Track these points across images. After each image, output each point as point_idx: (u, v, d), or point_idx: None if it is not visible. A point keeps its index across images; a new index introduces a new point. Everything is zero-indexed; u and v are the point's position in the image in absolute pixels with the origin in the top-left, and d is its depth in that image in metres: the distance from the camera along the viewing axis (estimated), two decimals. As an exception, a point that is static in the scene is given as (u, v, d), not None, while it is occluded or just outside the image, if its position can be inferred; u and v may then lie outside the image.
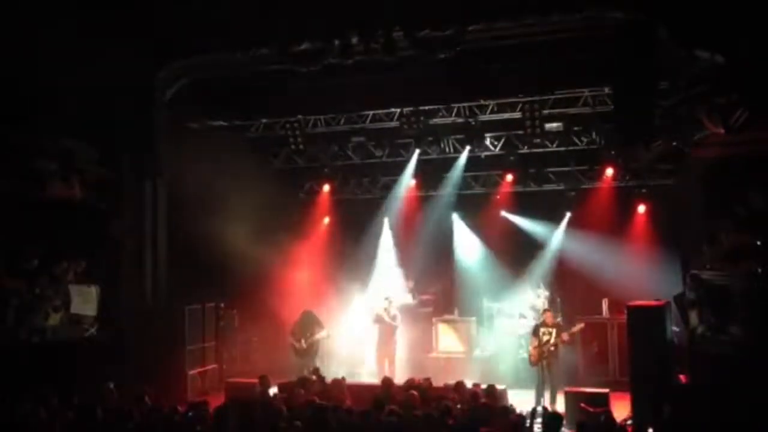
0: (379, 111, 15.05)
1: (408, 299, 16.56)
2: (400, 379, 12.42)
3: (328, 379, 11.99)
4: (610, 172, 15.59)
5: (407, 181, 16.72)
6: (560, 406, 11.92)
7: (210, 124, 15.13)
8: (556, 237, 16.50)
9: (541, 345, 12.86)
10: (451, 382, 11.33)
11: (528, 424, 9.20)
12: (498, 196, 16.90)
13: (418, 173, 16.54)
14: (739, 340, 10.07)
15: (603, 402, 10.66)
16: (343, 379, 11.93)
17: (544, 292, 15.55)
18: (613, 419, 8.99)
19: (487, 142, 15.53)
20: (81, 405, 9.16)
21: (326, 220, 18.13)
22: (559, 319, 13.70)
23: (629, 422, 10.45)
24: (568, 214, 16.43)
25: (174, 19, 11.99)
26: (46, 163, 11.76)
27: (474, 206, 17.18)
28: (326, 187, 17.66)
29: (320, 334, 14.70)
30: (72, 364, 11.51)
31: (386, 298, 15.55)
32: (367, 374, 15.41)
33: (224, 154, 14.59)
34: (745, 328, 10.04)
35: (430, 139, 15.41)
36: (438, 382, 11.77)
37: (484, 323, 16.17)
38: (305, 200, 18.03)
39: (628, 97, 10.97)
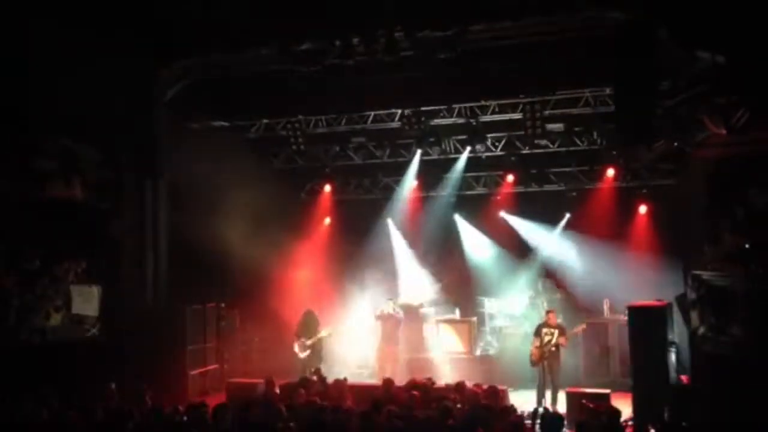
0: (380, 111, 15.04)
1: (411, 300, 16.55)
2: (401, 379, 12.40)
3: (330, 379, 11.98)
4: (611, 172, 15.60)
5: (410, 181, 16.72)
6: (561, 407, 11.91)
7: (210, 124, 15.14)
8: (556, 237, 16.49)
9: (542, 345, 12.85)
10: (452, 382, 11.32)
11: (529, 425, 9.18)
12: (499, 197, 16.91)
13: (420, 174, 16.52)
14: (739, 341, 10.05)
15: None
16: (345, 379, 11.89)
17: (544, 292, 15.52)
18: (616, 413, 8.89)
19: (488, 142, 15.53)
20: (81, 405, 9.15)
21: (327, 220, 18.14)
22: (560, 320, 13.67)
23: (630, 422, 10.45)
24: (567, 215, 16.44)
25: (174, 19, 12.01)
26: (46, 163, 11.73)
27: (475, 207, 17.19)
28: (327, 188, 17.69)
29: (323, 333, 14.71)
30: (73, 365, 11.49)
31: (389, 299, 15.55)
32: (370, 375, 15.38)
33: (225, 154, 14.55)
34: (746, 328, 10.01)
35: (432, 139, 15.40)
36: (439, 382, 11.78)
37: (485, 323, 16.17)
38: (306, 201, 18.04)
39: (629, 98, 10.93)
